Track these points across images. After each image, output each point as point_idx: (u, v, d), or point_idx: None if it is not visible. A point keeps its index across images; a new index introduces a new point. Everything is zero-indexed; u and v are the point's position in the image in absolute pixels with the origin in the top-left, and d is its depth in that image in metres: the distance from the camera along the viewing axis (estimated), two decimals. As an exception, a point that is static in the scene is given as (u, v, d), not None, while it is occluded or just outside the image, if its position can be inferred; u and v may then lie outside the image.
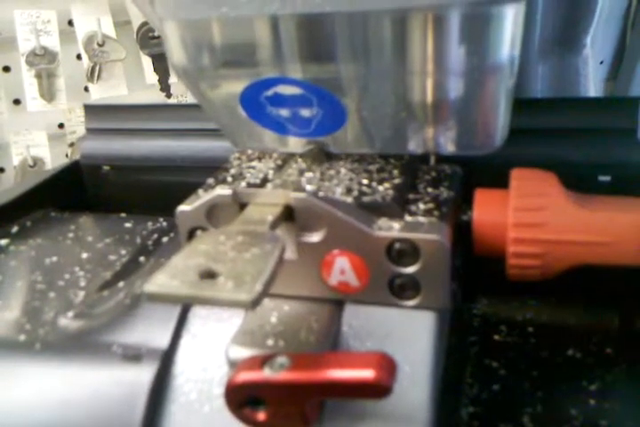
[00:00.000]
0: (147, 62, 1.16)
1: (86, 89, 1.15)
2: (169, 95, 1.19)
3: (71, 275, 0.33)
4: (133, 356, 0.26)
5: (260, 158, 0.33)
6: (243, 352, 0.24)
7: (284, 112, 0.29)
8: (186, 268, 0.21)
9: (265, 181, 0.29)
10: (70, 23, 1.11)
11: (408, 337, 0.25)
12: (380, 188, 0.28)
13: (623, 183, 0.33)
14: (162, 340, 0.26)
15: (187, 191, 0.29)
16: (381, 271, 0.26)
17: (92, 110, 0.45)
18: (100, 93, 1.14)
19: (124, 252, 0.35)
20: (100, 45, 1.11)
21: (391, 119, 0.28)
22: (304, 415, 0.21)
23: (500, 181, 0.29)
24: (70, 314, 0.29)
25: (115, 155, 0.44)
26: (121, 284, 0.31)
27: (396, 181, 0.28)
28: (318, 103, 0.28)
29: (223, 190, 0.26)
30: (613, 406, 0.26)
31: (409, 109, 0.27)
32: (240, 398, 0.22)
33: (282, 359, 0.22)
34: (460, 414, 0.27)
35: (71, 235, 0.37)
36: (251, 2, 0.25)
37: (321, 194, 0.27)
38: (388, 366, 0.20)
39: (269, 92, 0.28)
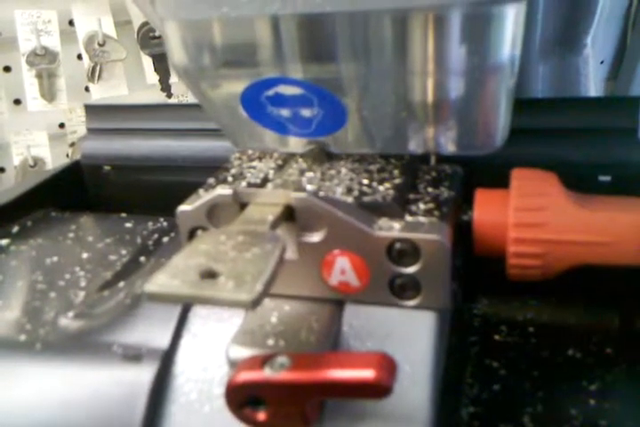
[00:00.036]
0: (147, 62, 1.16)
1: (87, 89, 1.15)
2: (169, 95, 1.19)
3: (72, 275, 0.33)
4: (134, 356, 0.26)
5: (260, 158, 0.33)
6: (243, 352, 0.24)
7: (285, 112, 0.29)
8: (186, 268, 0.21)
9: (265, 180, 0.29)
10: (71, 23, 1.11)
11: (408, 337, 0.25)
12: (381, 188, 0.28)
13: (623, 183, 0.33)
14: (162, 340, 0.26)
15: (187, 191, 0.29)
16: (382, 271, 0.26)
17: (92, 110, 0.45)
18: (100, 93, 1.14)
19: (124, 252, 0.35)
20: (101, 45, 1.11)
21: (392, 119, 0.28)
22: (304, 415, 0.21)
23: (501, 181, 0.29)
24: (71, 314, 0.29)
25: (115, 155, 0.44)
26: (121, 284, 0.31)
27: (397, 181, 0.28)
28: (319, 103, 0.28)
29: (224, 190, 0.26)
30: (613, 406, 0.26)
31: (409, 109, 0.27)
32: (240, 398, 0.22)
33: (282, 359, 0.22)
34: (460, 414, 0.27)
35: (72, 235, 0.37)
36: (251, 2, 0.25)
37: (321, 194, 0.27)
38: (388, 366, 0.20)
39: (270, 92, 0.28)
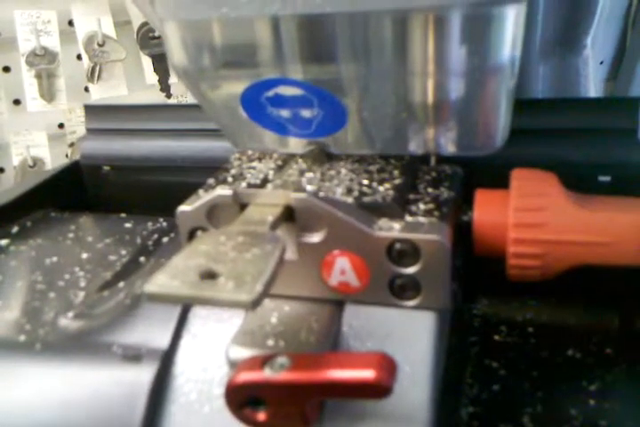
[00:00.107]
0: (147, 62, 1.16)
1: (86, 89, 1.15)
2: (169, 95, 1.19)
3: (71, 275, 0.33)
4: (133, 356, 0.26)
5: (260, 159, 0.33)
6: (243, 352, 0.24)
7: (285, 113, 0.29)
8: (186, 268, 0.21)
9: (265, 181, 0.29)
10: (70, 23, 1.11)
11: (408, 337, 0.25)
12: (381, 188, 0.28)
13: (623, 183, 0.33)
14: (162, 340, 0.26)
15: (187, 191, 0.29)
16: (382, 272, 0.26)
17: (92, 110, 0.45)
18: (100, 94, 1.14)
19: (124, 252, 0.35)
20: (101, 45, 1.11)
21: (392, 120, 0.28)
22: (304, 416, 0.21)
23: (501, 182, 0.29)
24: (70, 314, 0.29)
25: (115, 155, 0.44)
26: (121, 284, 0.31)
27: (397, 181, 0.28)
28: (319, 104, 0.28)
29: (223, 191, 0.26)
30: (613, 406, 0.26)
31: (410, 110, 0.27)
32: (240, 398, 0.22)
33: (282, 360, 0.22)
34: (459, 414, 0.27)
35: (71, 235, 0.37)
36: (251, 2, 0.25)
37: (321, 194, 0.27)
38: (388, 366, 0.20)
39: (270, 93, 0.28)
